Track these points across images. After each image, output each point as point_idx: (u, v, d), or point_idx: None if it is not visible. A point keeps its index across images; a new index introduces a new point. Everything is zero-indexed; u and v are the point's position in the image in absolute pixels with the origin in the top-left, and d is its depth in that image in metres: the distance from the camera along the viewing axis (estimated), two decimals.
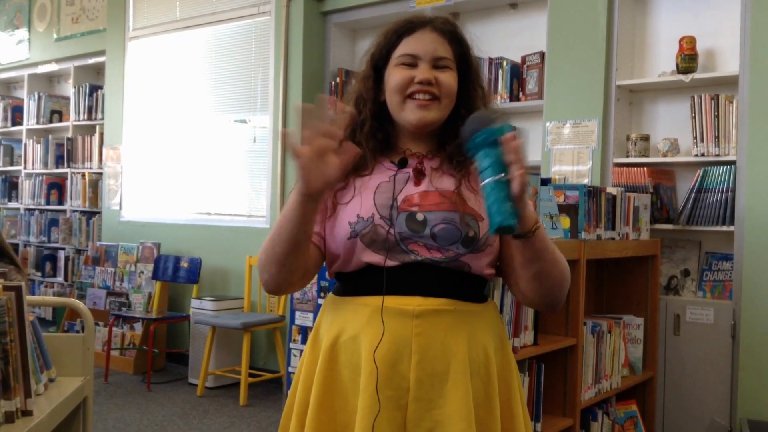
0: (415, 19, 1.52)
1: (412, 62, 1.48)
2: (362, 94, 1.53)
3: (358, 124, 1.51)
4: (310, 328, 3.39)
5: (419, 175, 1.48)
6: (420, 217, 1.42)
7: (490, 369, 1.44)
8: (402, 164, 1.49)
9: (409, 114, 1.47)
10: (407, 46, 1.49)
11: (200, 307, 4.89)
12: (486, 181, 1.25)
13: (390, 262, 1.40)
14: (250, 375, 4.61)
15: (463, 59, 1.52)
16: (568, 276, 1.45)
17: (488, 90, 1.59)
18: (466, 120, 1.32)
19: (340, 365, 1.44)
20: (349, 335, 1.43)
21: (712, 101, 3.56)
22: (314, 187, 1.29)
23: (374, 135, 1.51)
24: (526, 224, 1.31)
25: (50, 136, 6.86)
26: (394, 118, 1.51)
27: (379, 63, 1.52)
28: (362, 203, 1.45)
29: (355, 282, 1.45)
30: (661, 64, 3.87)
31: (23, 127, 7.12)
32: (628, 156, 3.84)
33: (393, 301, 1.40)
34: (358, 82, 1.55)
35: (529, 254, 1.37)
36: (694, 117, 3.61)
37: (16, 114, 7.32)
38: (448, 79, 1.47)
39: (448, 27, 1.51)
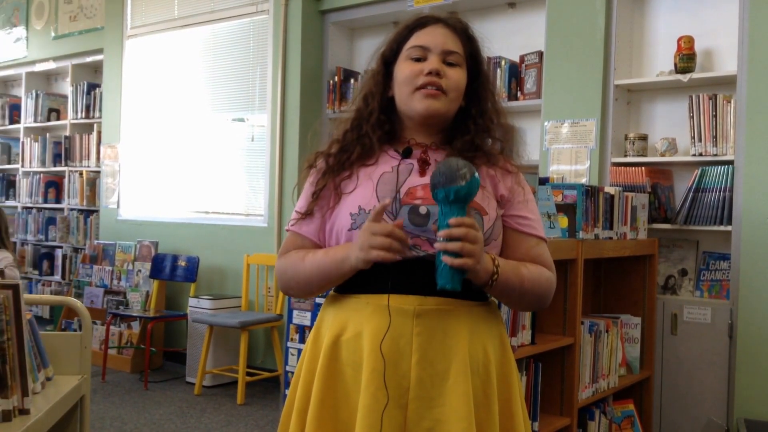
0: (427, 15, 1.55)
1: (422, 55, 1.49)
2: (371, 89, 1.55)
3: (365, 116, 1.53)
4: (308, 327, 3.38)
5: (424, 165, 1.48)
6: (423, 210, 1.41)
7: (489, 368, 1.44)
8: (406, 154, 1.50)
9: (417, 103, 1.47)
10: (418, 38, 1.50)
11: (198, 306, 4.89)
12: (439, 241, 1.31)
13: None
14: (248, 374, 4.61)
15: (474, 58, 1.53)
16: (545, 297, 1.50)
17: (498, 93, 1.60)
18: (439, 163, 1.34)
19: (341, 363, 1.44)
20: (351, 333, 1.43)
21: (710, 101, 3.56)
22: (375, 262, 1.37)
23: (381, 126, 1.52)
24: (479, 280, 1.37)
25: (48, 135, 6.85)
26: (401, 111, 1.52)
27: (389, 58, 1.54)
28: (364, 194, 1.45)
29: (357, 278, 1.44)
30: (659, 64, 3.87)
31: (21, 125, 7.10)
32: (626, 155, 3.84)
33: (393, 300, 1.40)
34: (368, 78, 1.57)
35: (493, 295, 1.47)
36: (692, 117, 3.61)
37: (14, 112, 7.30)
38: (456, 74, 1.49)
39: (460, 25, 1.53)
